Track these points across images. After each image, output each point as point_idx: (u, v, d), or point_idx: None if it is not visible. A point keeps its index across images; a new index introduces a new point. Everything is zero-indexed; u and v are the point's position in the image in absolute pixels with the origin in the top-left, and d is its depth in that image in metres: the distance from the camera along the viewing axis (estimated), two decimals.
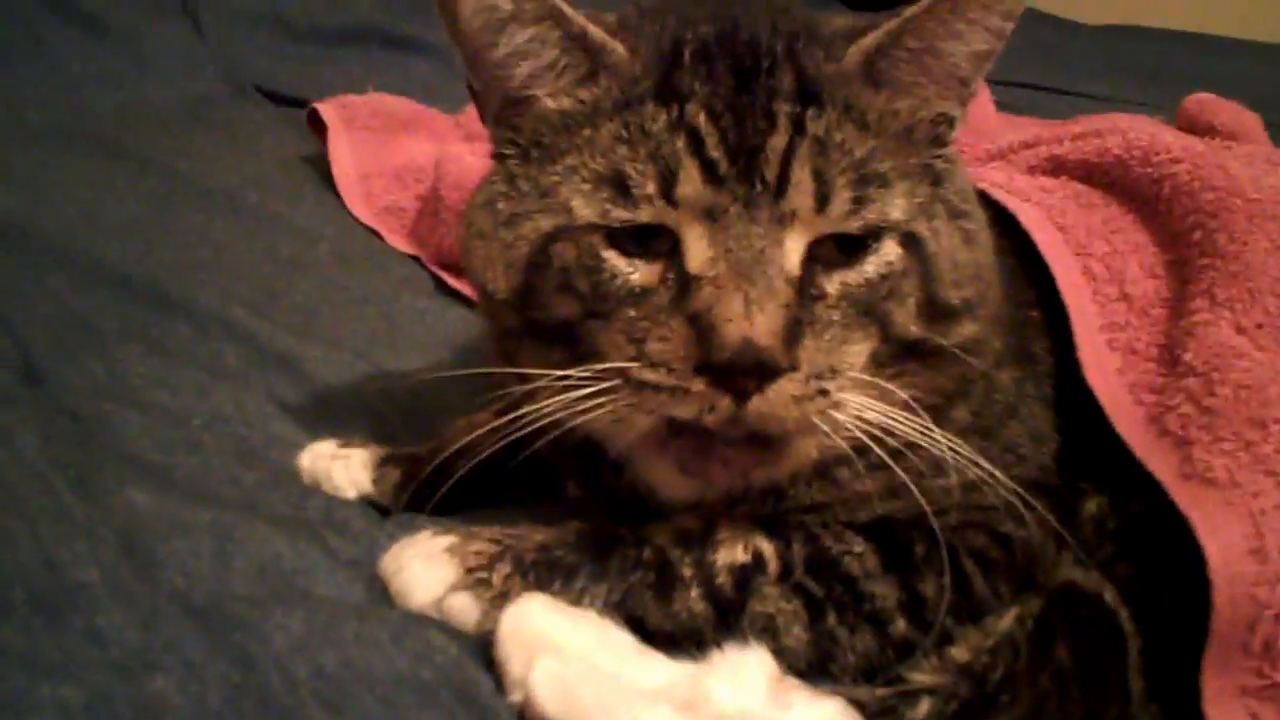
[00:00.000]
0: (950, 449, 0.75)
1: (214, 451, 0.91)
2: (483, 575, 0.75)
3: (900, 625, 0.77)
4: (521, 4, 0.75)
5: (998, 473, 0.75)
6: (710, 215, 0.71)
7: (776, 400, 0.70)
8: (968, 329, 0.78)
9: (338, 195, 1.65)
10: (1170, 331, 0.86)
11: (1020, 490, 0.76)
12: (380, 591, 0.76)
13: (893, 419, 0.74)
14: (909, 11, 0.74)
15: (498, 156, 0.81)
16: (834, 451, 0.77)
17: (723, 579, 0.77)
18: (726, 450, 0.74)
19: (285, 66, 2.22)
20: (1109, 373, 0.84)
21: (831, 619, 0.77)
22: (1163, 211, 0.93)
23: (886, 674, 0.77)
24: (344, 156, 1.68)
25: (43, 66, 2.00)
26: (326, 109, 1.75)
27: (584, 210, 0.73)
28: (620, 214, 0.72)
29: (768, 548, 0.79)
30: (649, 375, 0.71)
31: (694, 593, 0.76)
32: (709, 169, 0.71)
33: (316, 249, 1.45)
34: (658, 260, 0.73)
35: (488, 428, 0.91)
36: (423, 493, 0.92)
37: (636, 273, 0.73)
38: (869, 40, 0.75)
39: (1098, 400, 0.84)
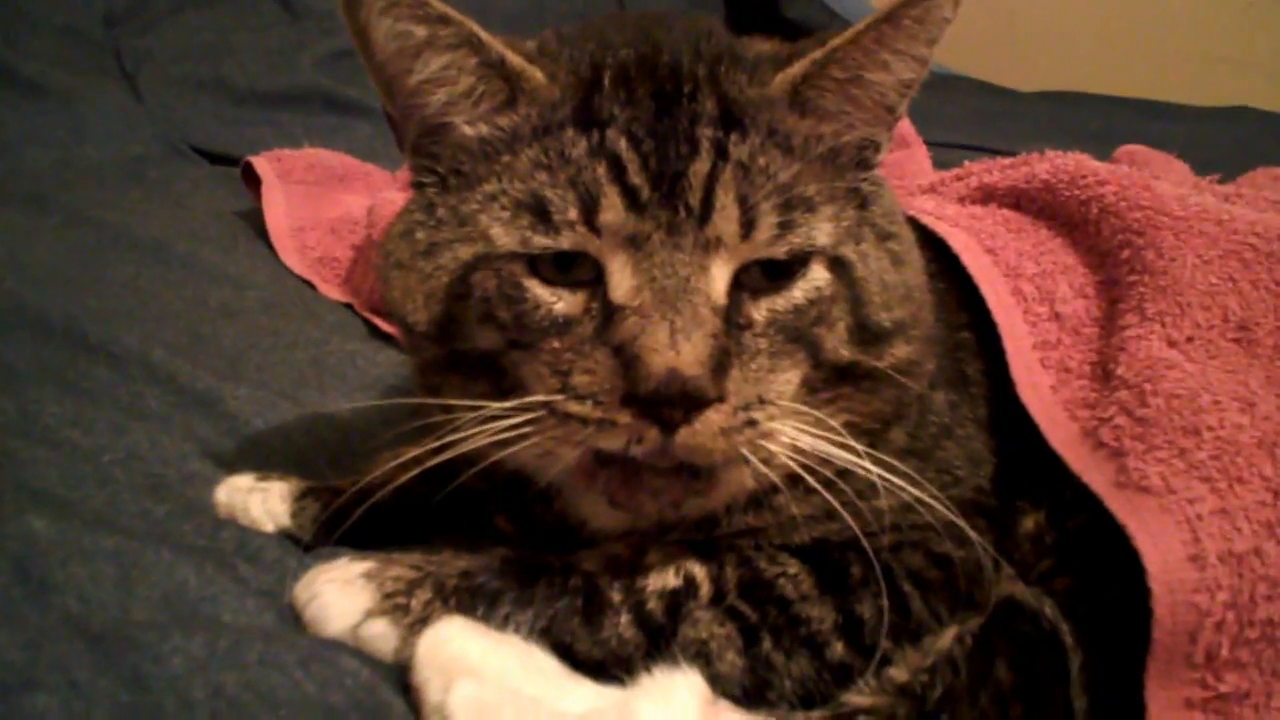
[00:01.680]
0: (881, 476, 0.73)
1: (125, 486, 0.88)
2: (401, 600, 0.72)
3: (838, 648, 0.75)
4: (436, 30, 0.74)
5: (934, 496, 0.73)
6: (633, 243, 0.70)
7: (704, 431, 0.68)
8: (900, 350, 0.77)
9: (271, 247, 1.63)
10: (1102, 349, 0.86)
11: (954, 512, 0.74)
12: (294, 620, 0.73)
13: (826, 447, 0.73)
14: (835, 41, 0.74)
15: (416, 185, 0.80)
16: (769, 481, 0.75)
17: (653, 604, 0.75)
18: (655, 480, 0.72)
19: (225, 128, 2.22)
20: (1042, 390, 0.84)
21: (767, 644, 0.75)
22: (1091, 233, 0.93)
23: (825, 700, 0.74)
24: (278, 209, 1.66)
25: None
26: (261, 162, 1.74)
27: (504, 238, 0.72)
28: (541, 241, 0.71)
29: (700, 571, 0.77)
30: (574, 408, 0.69)
31: (624, 618, 0.74)
32: (631, 196, 0.70)
33: (245, 297, 1.42)
34: (581, 289, 0.72)
35: (408, 456, 0.88)
36: (340, 525, 0.89)
37: (560, 302, 0.72)
38: (795, 69, 0.74)
39: (1032, 418, 0.83)
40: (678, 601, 0.75)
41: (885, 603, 0.76)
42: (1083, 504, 0.77)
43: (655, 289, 0.68)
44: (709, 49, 0.76)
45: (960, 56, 3.22)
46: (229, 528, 0.85)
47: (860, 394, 0.77)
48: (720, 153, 0.70)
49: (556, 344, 0.71)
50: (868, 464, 0.73)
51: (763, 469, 0.72)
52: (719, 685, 0.72)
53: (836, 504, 0.73)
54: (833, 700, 0.74)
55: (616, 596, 0.75)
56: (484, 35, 0.74)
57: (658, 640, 0.73)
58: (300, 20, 2.51)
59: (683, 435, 0.68)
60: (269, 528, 0.88)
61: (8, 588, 0.66)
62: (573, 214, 0.70)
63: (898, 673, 0.74)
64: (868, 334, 0.75)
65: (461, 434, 0.73)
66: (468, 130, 0.76)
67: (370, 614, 0.71)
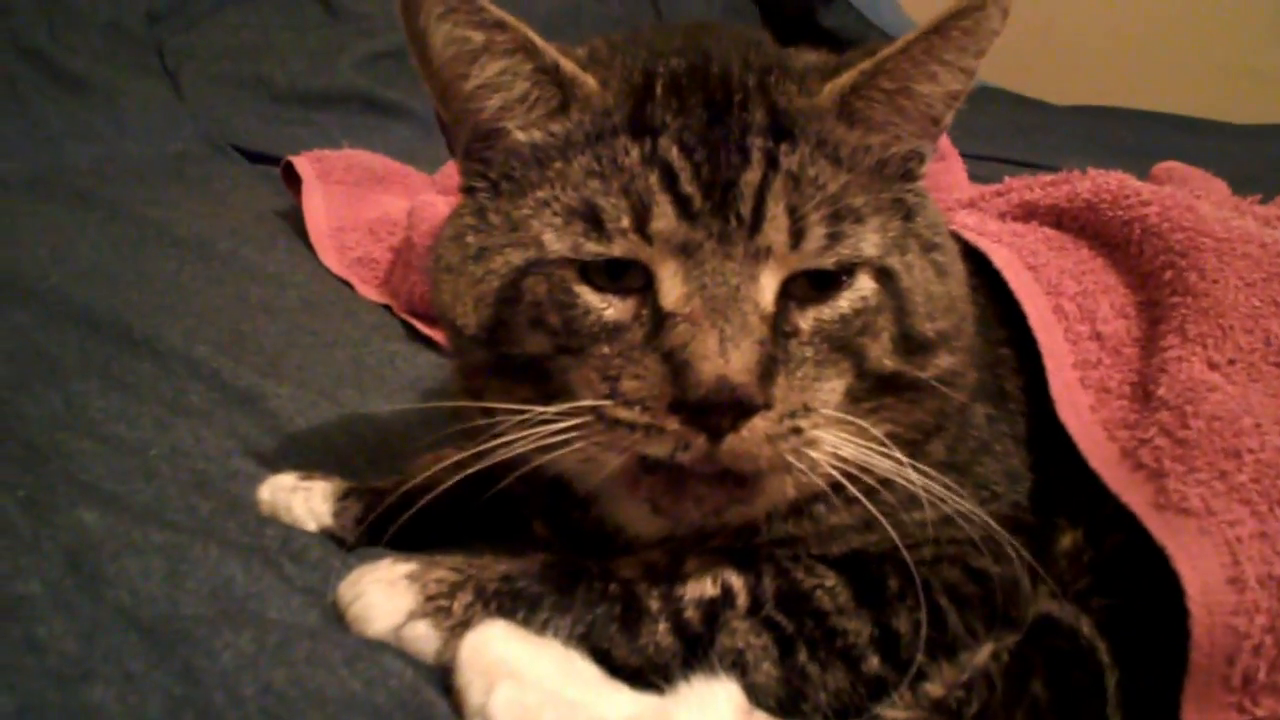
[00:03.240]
0: (925, 487, 0.73)
1: (170, 481, 0.89)
2: (443, 603, 0.73)
3: (873, 662, 0.75)
4: (493, 36, 0.74)
5: (976, 508, 0.74)
6: (684, 251, 0.70)
7: (751, 439, 0.68)
8: (944, 361, 0.77)
9: (310, 247, 1.64)
10: (1142, 369, 0.86)
11: (993, 526, 0.74)
12: (337, 619, 0.74)
13: (869, 456, 0.73)
14: (884, 52, 0.74)
15: (467, 190, 0.80)
16: (811, 489, 0.75)
17: (690, 612, 0.75)
18: (699, 488, 0.72)
19: (265, 127, 2.24)
20: (1082, 409, 0.84)
21: (802, 655, 0.75)
22: (1133, 254, 0.93)
23: (859, 713, 0.75)
24: (318, 209, 1.68)
25: (24, 122, 2.02)
26: (301, 162, 1.76)
27: (556, 244, 0.72)
28: (593, 247, 0.71)
29: (737, 581, 0.77)
30: (622, 413, 0.70)
31: (661, 626, 0.74)
32: (683, 205, 0.70)
33: (286, 295, 1.44)
34: (631, 296, 0.72)
35: (451, 461, 0.89)
36: (384, 527, 0.90)
37: (610, 308, 0.72)
38: (844, 79, 0.75)
39: (1071, 437, 0.83)
40: (715, 611, 0.75)
41: (922, 617, 0.76)
42: (1121, 523, 0.77)
43: (705, 297, 0.69)
44: (758, 59, 0.77)
45: (995, 69, 3.21)
46: (273, 525, 0.86)
47: (903, 404, 0.77)
48: (771, 163, 0.71)
49: (606, 350, 0.72)
50: (910, 474, 0.73)
51: (806, 476, 0.72)
52: (754, 695, 0.73)
53: (877, 513, 0.74)
54: (867, 714, 0.74)
55: (654, 604, 0.75)
56: (539, 41, 0.75)
57: (695, 649, 0.74)
58: (341, 21, 2.54)
59: (729, 442, 0.68)
60: (311, 526, 0.89)
61: (61, 579, 0.67)
62: (625, 221, 0.70)
63: (933, 688, 0.74)
64: (912, 344, 0.75)
65: (507, 438, 0.73)
66: (520, 136, 0.76)
67: (413, 615, 0.72)
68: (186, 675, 0.60)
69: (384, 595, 0.73)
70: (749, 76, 0.75)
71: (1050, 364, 0.87)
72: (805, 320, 0.72)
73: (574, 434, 0.72)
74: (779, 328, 0.71)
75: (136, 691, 0.58)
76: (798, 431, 0.70)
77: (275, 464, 0.99)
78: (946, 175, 1.78)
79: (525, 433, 0.73)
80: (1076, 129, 2.94)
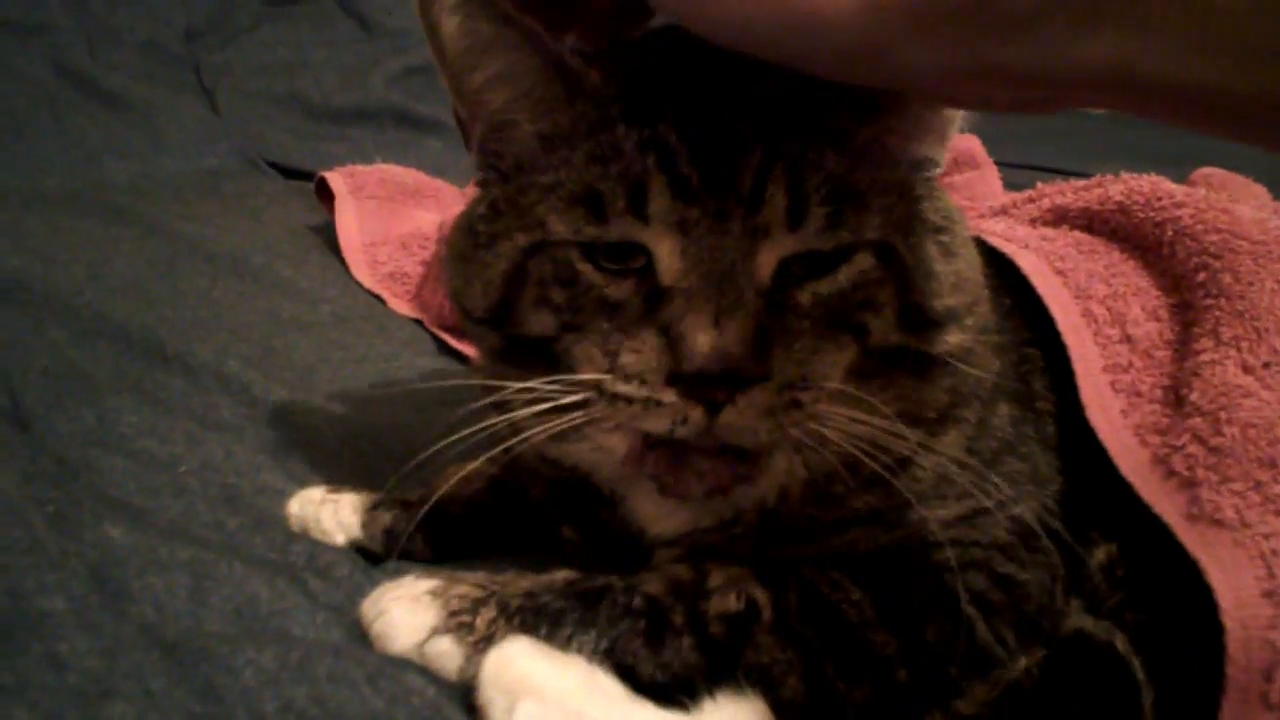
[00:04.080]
0: (937, 467, 0.74)
1: (199, 497, 0.90)
2: (466, 619, 0.73)
3: (901, 675, 0.74)
4: (502, 30, 0.75)
5: (1003, 486, 0.73)
6: (681, 229, 0.71)
7: (748, 410, 0.69)
8: (954, 337, 0.77)
9: (343, 262, 1.65)
10: (1175, 373, 0.84)
11: (1032, 522, 0.74)
12: (361, 636, 0.74)
13: (877, 433, 0.73)
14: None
15: (481, 183, 0.82)
16: (822, 467, 0.75)
17: (716, 627, 0.74)
18: (702, 463, 0.73)
19: (299, 143, 2.26)
20: (1112, 414, 0.82)
21: (829, 669, 0.74)
22: (1165, 255, 0.92)
23: None
24: (350, 224, 1.69)
25: (63, 140, 2.05)
26: (334, 178, 1.77)
27: (559, 227, 0.73)
28: (592, 230, 0.72)
29: (762, 596, 0.76)
30: (621, 387, 0.71)
31: (686, 641, 0.74)
32: (680, 184, 0.71)
33: (318, 310, 1.44)
34: (631, 275, 0.73)
35: (472, 468, 0.90)
36: (413, 538, 0.91)
37: (611, 286, 0.73)
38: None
39: (1101, 443, 0.81)
40: (740, 625, 0.75)
41: (949, 628, 0.75)
42: (1153, 533, 0.76)
43: (702, 272, 0.70)
44: None
45: None
46: (300, 542, 0.86)
47: (914, 380, 0.77)
48: (773, 144, 0.71)
49: (606, 325, 0.73)
50: (916, 448, 0.73)
51: (816, 454, 0.73)
52: (782, 711, 0.72)
53: (899, 488, 0.74)
54: None
55: (679, 620, 0.74)
56: (546, 36, 0.76)
57: (720, 664, 0.73)
58: (375, 38, 2.56)
59: (727, 415, 0.69)
60: (340, 539, 0.90)
61: (86, 596, 0.67)
62: (621, 205, 0.71)
63: (965, 705, 0.73)
64: (917, 319, 0.75)
65: (521, 425, 0.75)
66: (528, 127, 0.77)
67: (436, 631, 0.72)
68: (208, 693, 0.60)
69: (407, 612, 0.73)
70: (759, 66, 0.74)
71: (1080, 368, 0.85)
72: (804, 295, 0.72)
73: (577, 410, 0.73)
74: (775, 302, 0.71)
75: (157, 709, 0.58)
76: (798, 405, 0.70)
77: (305, 478, 1.00)
78: (981, 183, 1.77)
79: (528, 410, 0.74)
80: (1113, 136, 2.90)
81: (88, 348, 1.19)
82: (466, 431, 0.77)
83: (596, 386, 0.72)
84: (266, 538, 0.85)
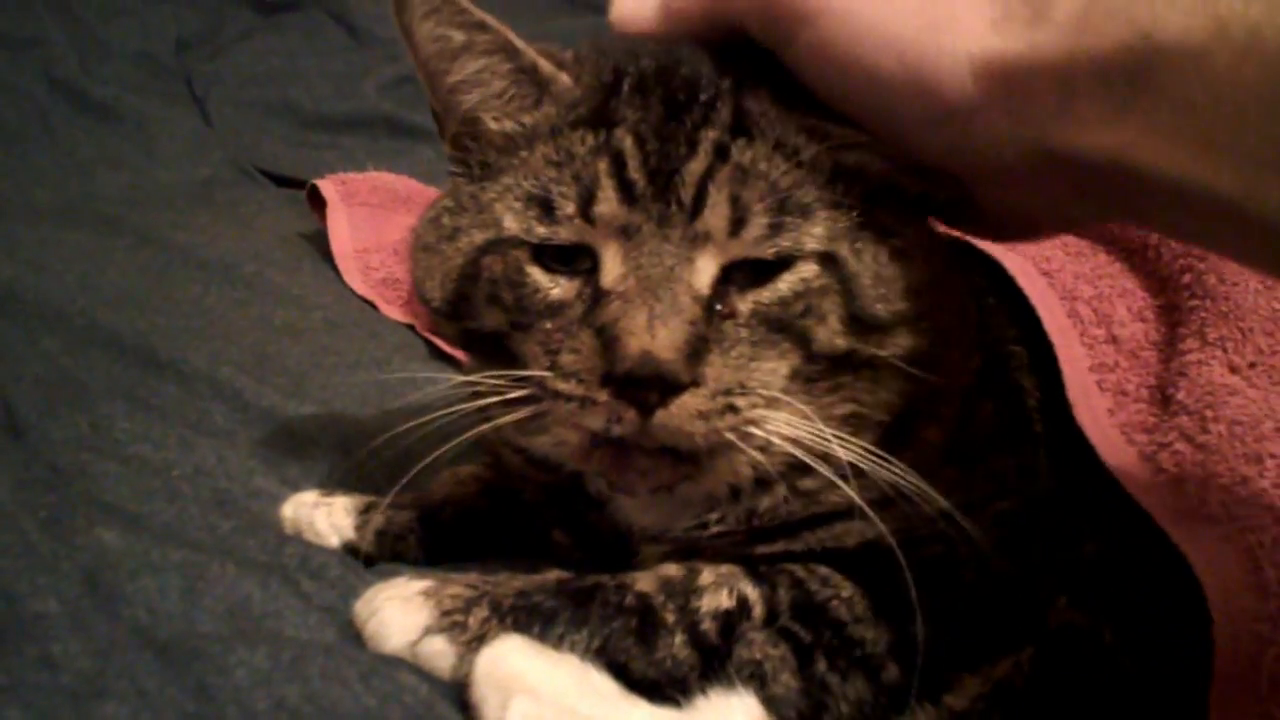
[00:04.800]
0: (895, 474, 0.73)
1: (192, 501, 0.90)
2: (459, 618, 0.73)
3: (893, 671, 0.75)
4: (474, 36, 0.77)
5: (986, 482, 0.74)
6: (625, 234, 0.72)
7: (680, 414, 0.70)
8: (905, 341, 0.76)
9: (335, 269, 1.65)
10: (1161, 373, 0.85)
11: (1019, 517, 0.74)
12: (354, 636, 0.74)
13: (822, 436, 0.73)
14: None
15: (451, 175, 0.83)
16: (766, 469, 0.76)
17: (707, 625, 0.75)
18: (644, 461, 0.74)
19: (291, 151, 2.26)
20: (1099, 413, 0.83)
21: (821, 665, 0.74)
22: (1151, 257, 0.92)
23: None
24: (342, 231, 1.69)
25: (56, 151, 2.06)
26: (326, 185, 1.77)
27: (512, 226, 0.75)
28: (542, 231, 0.74)
29: (753, 593, 0.77)
30: (560, 385, 0.72)
31: (678, 639, 0.74)
32: (626, 189, 0.72)
33: (310, 317, 1.44)
34: (577, 277, 0.75)
35: (467, 472, 0.90)
36: (406, 540, 0.91)
37: (557, 288, 0.75)
38: (829, 128, 0.74)
39: (1089, 441, 0.82)
40: (731, 622, 0.75)
41: (939, 623, 0.76)
42: (1141, 529, 0.76)
43: (640, 276, 0.71)
44: (739, 67, 0.77)
45: None
46: (293, 544, 0.86)
47: (863, 382, 0.77)
48: (720, 154, 0.72)
49: (549, 325, 0.74)
50: (856, 454, 0.73)
51: (757, 456, 0.73)
52: (774, 707, 0.72)
53: (859, 497, 0.74)
54: None
55: (671, 617, 0.75)
56: (518, 42, 0.78)
57: (712, 661, 0.74)
58: (365, 46, 2.56)
59: (659, 417, 0.70)
60: (333, 541, 0.90)
61: (79, 598, 0.67)
62: (571, 209, 0.73)
63: (955, 700, 0.74)
64: (864, 324, 0.75)
65: (474, 403, 0.78)
66: (493, 126, 0.79)
67: (429, 631, 0.72)
68: (200, 692, 0.60)
69: (400, 611, 0.73)
70: (725, 80, 0.76)
71: (1066, 368, 0.86)
72: (744, 303, 0.73)
73: (524, 406, 0.75)
74: (715, 309, 0.72)
75: (149, 708, 0.58)
76: (734, 410, 0.71)
77: (298, 483, 1.00)
78: None
79: (484, 401, 0.76)
80: None
81: (81, 356, 1.20)
82: (433, 415, 0.80)
83: (539, 382, 0.73)
84: (259, 540, 0.85)
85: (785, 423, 0.73)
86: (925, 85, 0.66)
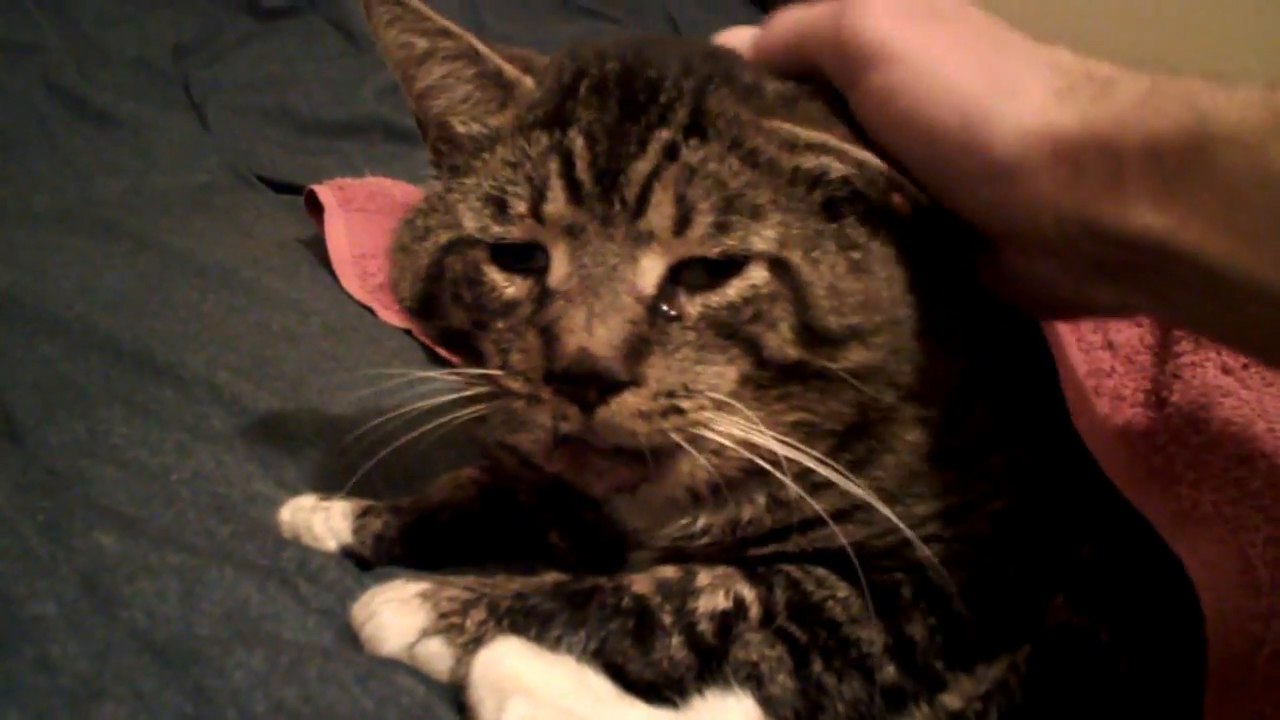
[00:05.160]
0: (837, 471, 0.74)
1: (190, 505, 0.90)
2: (456, 620, 0.74)
3: (889, 671, 0.75)
4: (437, 42, 0.79)
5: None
6: (571, 233, 0.73)
7: (621, 412, 0.70)
8: (858, 355, 0.76)
9: (333, 274, 1.65)
10: (1156, 376, 0.85)
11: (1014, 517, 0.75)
12: (352, 639, 0.74)
13: (766, 441, 0.74)
14: (805, 136, 0.75)
15: (430, 179, 0.85)
16: (723, 472, 0.76)
17: (704, 625, 0.75)
18: (599, 461, 0.75)
19: (289, 157, 2.26)
20: (1096, 418, 0.83)
21: (818, 665, 0.75)
22: None
23: None
24: (339, 236, 1.69)
25: (54, 157, 2.05)
26: (324, 191, 1.77)
27: (470, 225, 0.77)
28: (496, 230, 0.76)
29: (749, 594, 0.77)
30: (510, 383, 0.73)
31: (675, 640, 0.75)
32: (574, 189, 0.73)
33: (308, 322, 1.44)
34: (530, 276, 0.76)
35: (466, 475, 0.91)
36: (403, 544, 0.92)
37: (511, 287, 0.76)
38: (799, 131, 0.75)
39: (1086, 445, 0.82)
40: (728, 623, 0.76)
41: (935, 623, 0.76)
42: (1136, 530, 0.77)
43: (583, 275, 0.72)
44: (707, 70, 0.78)
45: None
46: (290, 548, 0.86)
47: (813, 393, 0.77)
48: (670, 153, 0.73)
49: (501, 324, 0.76)
50: (811, 461, 0.74)
51: (702, 461, 0.74)
52: (772, 708, 0.73)
53: (818, 506, 0.75)
54: None
55: (668, 618, 0.75)
56: (482, 48, 0.79)
57: (709, 662, 0.74)
58: (363, 52, 2.56)
59: (601, 414, 0.70)
60: (331, 545, 0.91)
61: (77, 601, 0.68)
62: (522, 208, 0.74)
63: (951, 700, 0.74)
64: (814, 336, 0.75)
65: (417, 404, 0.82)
66: (461, 129, 0.81)
67: (426, 633, 0.73)
68: (198, 694, 0.61)
69: (397, 614, 0.74)
70: (686, 81, 0.76)
71: (1063, 373, 0.86)
72: (693, 305, 0.73)
73: (482, 403, 0.77)
74: (659, 310, 0.73)
75: (147, 710, 0.58)
76: (678, 411, 0.72)
77: (295, 487, 1.00)
78: None
79: (457, 394, 0.78)
80: None
81: (79, 361, 1.20)
82: (408, 409, 0.84)
83: (493, 380, 0.75)
84: (257, 544, 0.85)
85: (736, 427, 0.73)
86: (979, 143, 0.67)
